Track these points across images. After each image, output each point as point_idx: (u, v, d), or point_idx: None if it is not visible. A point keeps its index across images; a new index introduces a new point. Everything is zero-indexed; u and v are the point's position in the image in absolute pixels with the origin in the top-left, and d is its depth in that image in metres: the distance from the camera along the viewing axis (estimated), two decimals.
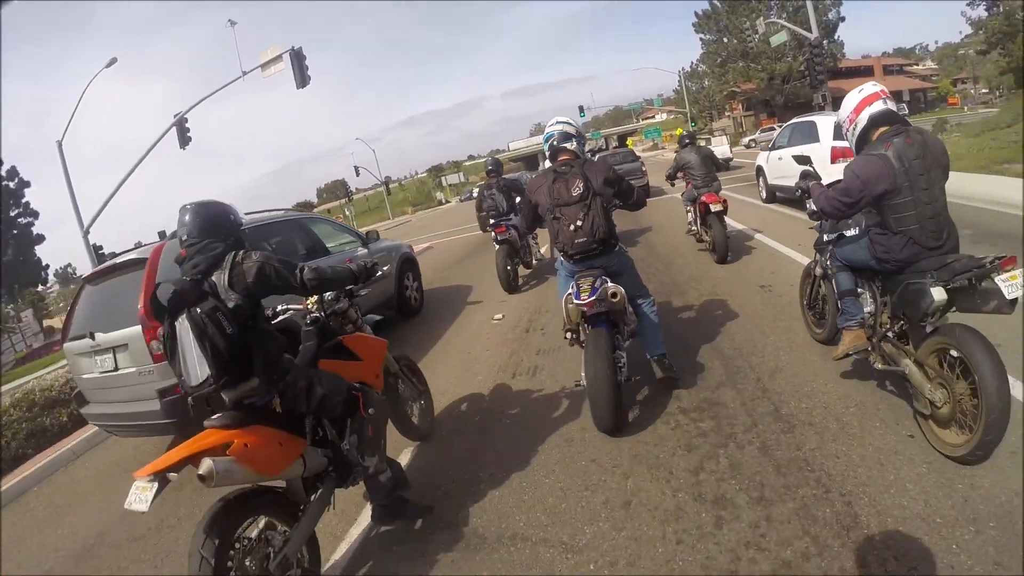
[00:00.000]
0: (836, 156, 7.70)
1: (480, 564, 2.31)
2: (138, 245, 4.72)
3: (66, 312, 4.79)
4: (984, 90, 50.79)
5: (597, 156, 11.36)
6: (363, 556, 2.57)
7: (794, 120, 10.45)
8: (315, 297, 2.76)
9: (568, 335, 3.27)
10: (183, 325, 2.06)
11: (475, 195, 14.90)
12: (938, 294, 2.30)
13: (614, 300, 2.99)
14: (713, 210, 6.24)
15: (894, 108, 2.58)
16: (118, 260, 4.29)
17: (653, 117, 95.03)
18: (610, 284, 3.03)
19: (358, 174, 47.95)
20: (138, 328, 3.78)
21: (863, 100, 2.59)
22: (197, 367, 2.06)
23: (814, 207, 2.89)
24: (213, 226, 2.29)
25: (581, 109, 43.18)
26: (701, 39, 44.61)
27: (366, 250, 6.21)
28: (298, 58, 16.08)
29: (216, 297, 2.12)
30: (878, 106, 2.54)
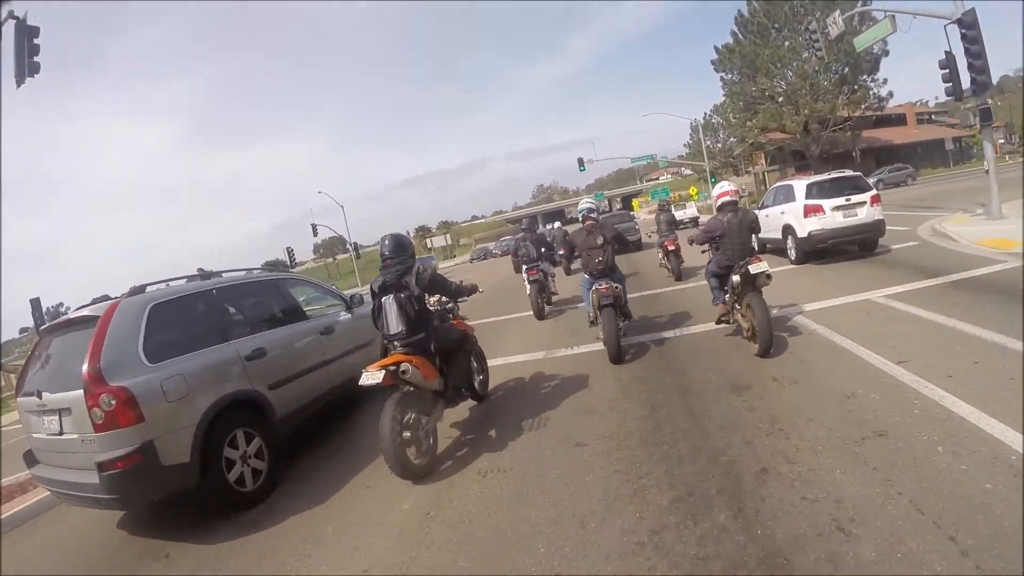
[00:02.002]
0: (808, 212, 9.91)
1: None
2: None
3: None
4: (1001, 140, 48.55)
5: (601, 217, 14.67)
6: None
7: (776, 184, 12.69)
8: (435, 297, 4.86)
9: (591, 316, 6.31)
10: (389, 301, 4.09)
11: (509, 249, 24.82)
12: (735, 278, 5.39)
13: (616, 291, 5.94)
14: (670, 249, 11.43)
15: (735, 199, 5.80)
16: (73, 315, 4.26)
17: (657, 179, 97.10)
18: (614, 284, 5.99)
19: (315, 233, 42.88)
20: (80, 392, 3.64)
21: (721, 193, 5.83)
22: (395, 325, 4.07)
23: (698, 243, 6.11)
24: (401, 247, 4.37)
25: (580, 162, 39.56)
26: (722, 80, 38.73)
27: (350, 315, 6.04)
28: (25, 35, 10.17)
29: (409, 289, 4.13)
30: (726, 199, 5.76)
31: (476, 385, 5.19)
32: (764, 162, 43.27)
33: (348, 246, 44.75)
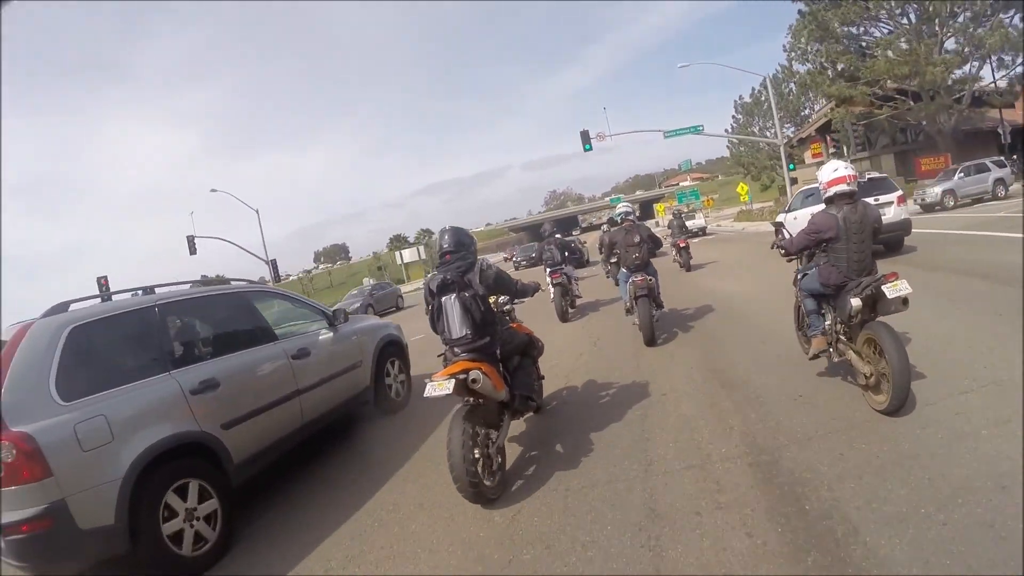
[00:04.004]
0: None
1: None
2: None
3: None
4: None
5: (613, 229, 16.33)
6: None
7: (804, 187, 14.52)
8: (494, 298, 4.42)
9: (627, 305, 7.39)
10: (450, 301, 3.84)
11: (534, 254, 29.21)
12: (855, 302, 3.88)
13: (650, 283, 6.95)
14: (682, 246, 15.02)
15: (854, 188, 4.15)
16: None
17: (677, 184, 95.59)
18: (648, 276, 7.04)
19: (193, 251, 31.34)
20: None
21: (835, 179, 4.16)
22: (458, 328, 3.83)
23: (787, 252, 4.66)
24: (462, 243, 4.04)
25: (585, 137, 21.03)
26: (801, 13, 26.76)
27: (331, 334, 5.42)
28: None
29: (472, 288, 3.87)
30: (842, 187, 4.12)
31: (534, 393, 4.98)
32: (846, 149, 28.91)
33: (266, 262, 33.45)
